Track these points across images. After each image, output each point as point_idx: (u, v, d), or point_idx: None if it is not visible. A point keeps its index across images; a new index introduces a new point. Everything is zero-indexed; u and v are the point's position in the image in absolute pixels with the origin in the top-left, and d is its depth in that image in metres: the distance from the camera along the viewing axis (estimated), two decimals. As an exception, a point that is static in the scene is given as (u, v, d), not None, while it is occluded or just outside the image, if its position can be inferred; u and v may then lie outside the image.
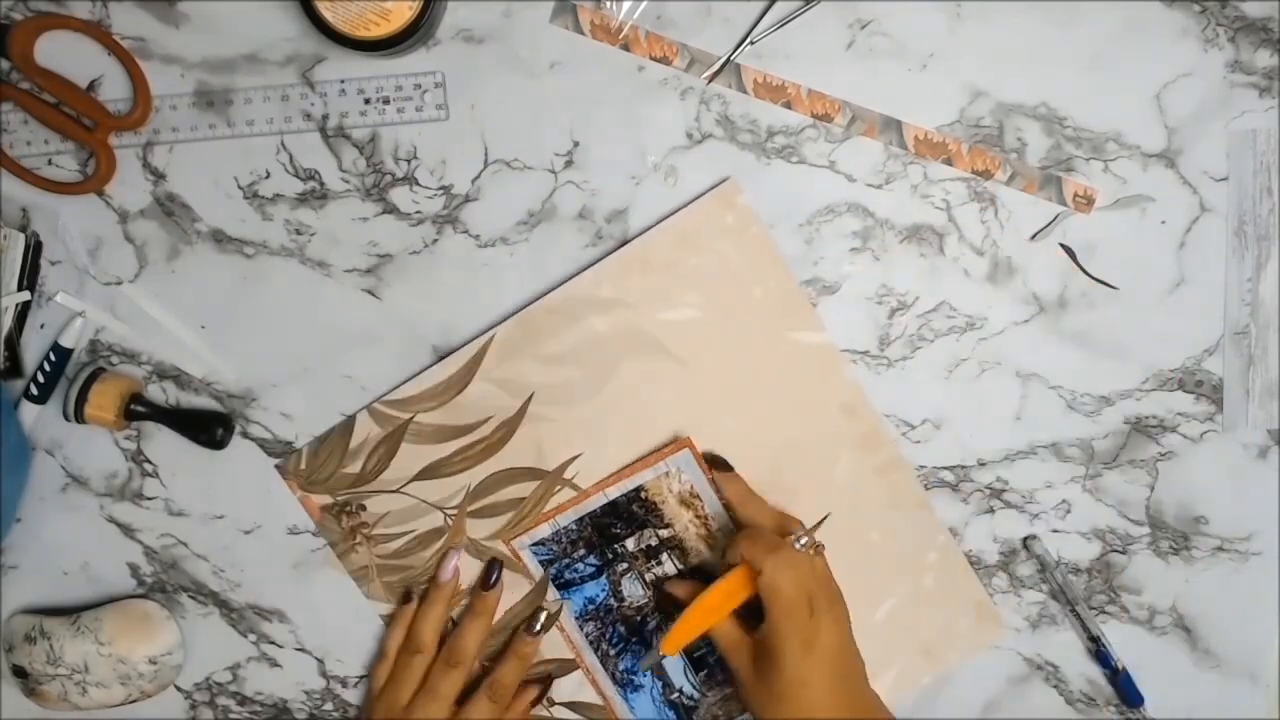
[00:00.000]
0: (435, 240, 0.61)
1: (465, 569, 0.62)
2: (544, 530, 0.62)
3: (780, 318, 0.60)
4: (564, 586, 0.62)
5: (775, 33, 0.58)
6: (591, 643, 0.63)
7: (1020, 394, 0.62)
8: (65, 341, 0.61)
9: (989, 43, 0.58)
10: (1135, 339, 0.61)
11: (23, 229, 0.60)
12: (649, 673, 0.63)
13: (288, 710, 0.65)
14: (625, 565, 0.62)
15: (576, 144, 0.59)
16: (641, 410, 0.61)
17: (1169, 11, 0.58)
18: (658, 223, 0.59)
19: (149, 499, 0.63)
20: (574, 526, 0.62)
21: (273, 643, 0.65)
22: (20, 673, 0.63)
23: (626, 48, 0.59)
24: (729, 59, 0.58)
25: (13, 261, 0.60)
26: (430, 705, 0.59)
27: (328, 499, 0.62)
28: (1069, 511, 0.63)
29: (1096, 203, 0.60)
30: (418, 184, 0.60)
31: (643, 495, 0.61)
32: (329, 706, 0.65)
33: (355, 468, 0.62)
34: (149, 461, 0.63)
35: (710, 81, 0.59)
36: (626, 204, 0.60)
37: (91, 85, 0.59)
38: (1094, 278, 0.60)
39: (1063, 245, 0.60)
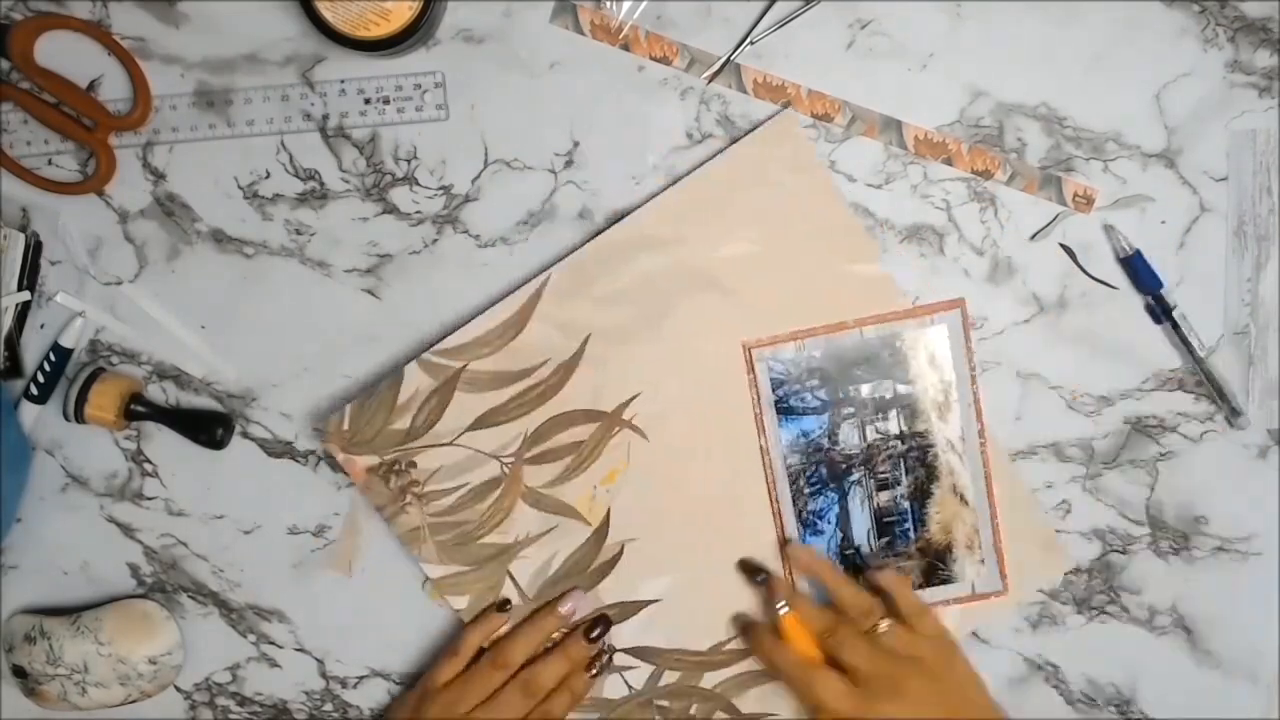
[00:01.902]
0: (435, 240, 0.61)
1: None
2: (788, 349, 0.60)
3: (838, 250, 0.59)
4: (785, 412, 0.61)
5: (775, 33, 0.58)
6: (791, 476, 0.61)
7: (1020, 394, 0.62)
8: (65, 341, 0.61)
9: (989, 43, 0.58)
10: (1135, 339, 0.61)
11: (23, 229, 0.60)
12: (835, 521, 0.61)
13: (287, 710, 0.65)
14: (851, 410, 0.60)
15: (576, 144, 0.59)
16: (700, 347, 0.60)
17: (1169, 11, 0.58)
18: (714, 155, 0.59)
19: (149, 499, 0.63)
20: (818, 355, 0.60)
21: (272, 643, 0.65)
22: (20, 673, 0.63)
23: (626, 48, 0.59)
24: (729, 59, 0.58)
25: (13, 261, 0.60)
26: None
27: (374, 460, 0.60)
28: (1069, 511, 0.62)
29: (1096, 203, 0.60)
30: (418, 184, 0.60)
31: (897, 344, 0.60)
32: (329, 707, 0.65)
33: (404, 423, 0.60)
34: (149, 461, 0.63)
35: (710, 81, 0.59)
36: (627, 204, 0.60)
37: (91, 85, 0.59)
38: (1094, 278, 0.60)
39: (1063, 245, 0.60)
